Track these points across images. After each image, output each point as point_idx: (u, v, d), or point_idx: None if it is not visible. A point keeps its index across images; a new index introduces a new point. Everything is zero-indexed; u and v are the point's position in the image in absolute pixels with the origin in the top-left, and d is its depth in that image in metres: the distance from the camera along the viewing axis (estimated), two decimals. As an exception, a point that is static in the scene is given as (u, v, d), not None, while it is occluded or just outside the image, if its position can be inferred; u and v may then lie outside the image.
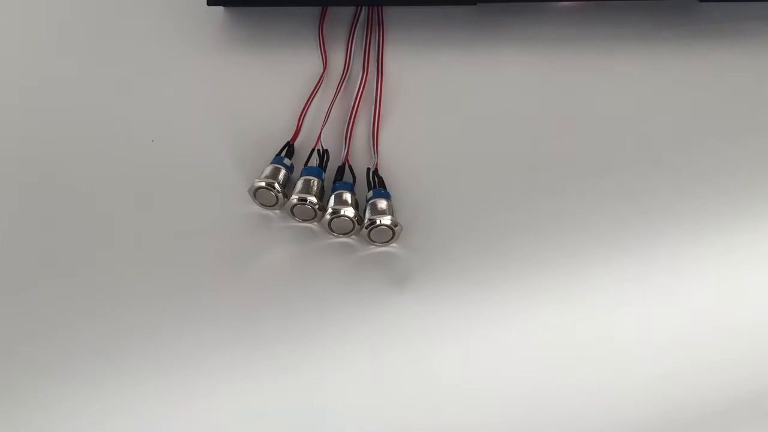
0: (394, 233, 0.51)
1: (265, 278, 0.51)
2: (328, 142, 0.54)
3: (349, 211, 0.50)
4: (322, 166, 0.52)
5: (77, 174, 0.54)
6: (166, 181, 0.54)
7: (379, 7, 0.58)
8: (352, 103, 0.55)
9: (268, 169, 0.52)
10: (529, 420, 0.48)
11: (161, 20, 0.58)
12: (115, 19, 0.59)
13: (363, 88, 0.55)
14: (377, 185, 0.52)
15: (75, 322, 0.50)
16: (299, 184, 0.51)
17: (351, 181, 0.52)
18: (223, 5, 0.58)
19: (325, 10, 0.58)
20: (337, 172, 0.52)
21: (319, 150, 0.53)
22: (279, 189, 0.51)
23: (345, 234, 0.51)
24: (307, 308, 0.50)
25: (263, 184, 0.51)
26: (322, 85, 0.55)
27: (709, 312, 0.50)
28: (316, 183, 0.51)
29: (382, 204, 0.50)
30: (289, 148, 0.53)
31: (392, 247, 0.51)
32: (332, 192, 0.51)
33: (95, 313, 0.50)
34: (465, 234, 0.52)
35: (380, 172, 0.53)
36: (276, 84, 0.56)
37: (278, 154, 0.53)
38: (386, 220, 0.50)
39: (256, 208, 0.52)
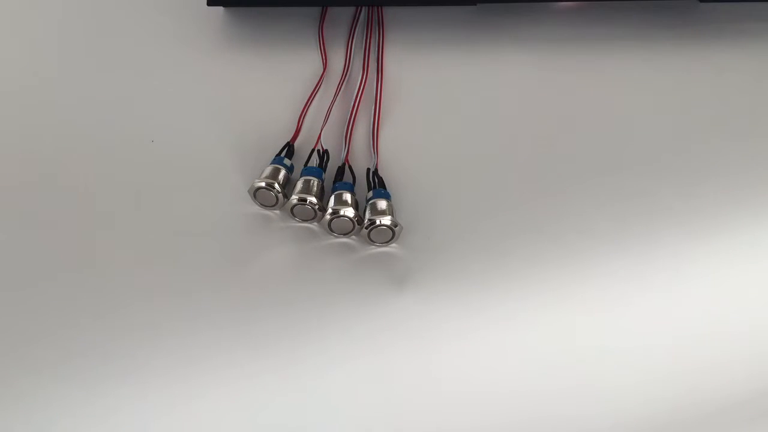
0: (394, 233, 0.51)
1: (265, 278, 0.51)
2: (328, 142, 0.54)
3: (349, 212, 0.50)
4: (322, 166, 0.52)
5: (77, 174, 0.54)
6: (166, 181, 0.54)
7: (379, 7, 0.58)
8: (352, 103, 0.55)
9: (268, 170, 0.52)
10: (529, 420, 0.48)
11: (161, 20, 0.58)
12: (114, 19, 0.59)
13: (363, 88, 0.55)
14: (377, 185, 0.52)
15: (75, 321, 0.50)
16: (299, 185, 0.51)
17: (351, 181, 0.52)
18: (223, 5, 0.58)
19: (325, 10, 0.58)
20: (337, 172, 0.52)
21: (319, 150, 0.53)
22: (279, 189, 0.51)
23: (345, 234, 0.52)
24: (307, 308, 0.50)
25: (263, 184, 0.51)
26: (322, 85, 0.55)
27: (709, 312, 0.50)
28: (316, 183, 0.51)
29: (382, 204, 0.50)
30: (289, 148, 0.53)
31: (392, 247, 0.52)
32: (332, 192, 0.51)
33: (95, 312, 0.50)
34: (465, 234, 0.52)
35: (380, 172, 0.53)
36: (276, 84, 0.56)
37: (278, 154, 0.53)
38: (386, 220, 0.50)
39: (256, 208, 0.52)
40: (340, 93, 0.55)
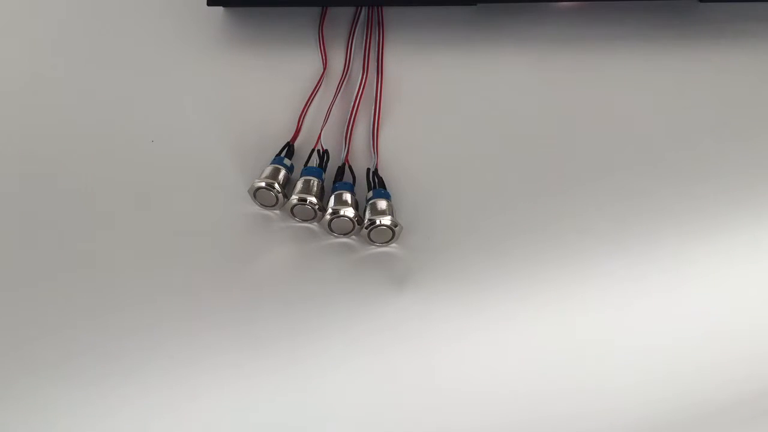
0: (394, 233, 0.51)
1: (265, 278, 0.51)
2: (328, 142, 0.54)
3: (349, 212, 0.50)
4: (322, 166, 0.52)
5: (77, 174, 0.54)
6: (166, 181, 0.54)
7: (379, 7, 0.58)
8: (352, 103, 0.55)
9: (268, 170, 0.52)
10: (529, 420, 0.48)
11: (161, 20, 0.58)
12: (115, 20, 0.59)
13: (363, 88, 0.55)
14: (377, 185, 0.52)
15: (75, 322, 0.50)
16: (299, 185, 0.51)
17: (351, 181, 0.52)
18: (223, 5, 0.58)
19: (325, 10, 0.58)
20: (337, 172, 0.52)
21: (319, 150, 0.53)
22: (279, 189, 0.51)
23: (345, 234, 0.52)
24: (307, 308, 0.50)
25: (263, 184, 0.51)
26: (322, 85, 0.55)
27: (709, 312, 0.50)
28: (316, 183, 0.51)
29: (382, 204, 0.50)
30: (289, 149, 0.53)
31: (392, 247, 0.51)
32: (332, 192, 0.51)
33: (95, 313, 0.50)
34: (465, 234, 0.52)
35: (380, 172, 0.53)
36: (276, 84, 0.56)
37: (278, 155, 0.53)
38: (386, 220, 0.50)
39: (256, 208, 0.52)
40: (340, 93, 0.55)
